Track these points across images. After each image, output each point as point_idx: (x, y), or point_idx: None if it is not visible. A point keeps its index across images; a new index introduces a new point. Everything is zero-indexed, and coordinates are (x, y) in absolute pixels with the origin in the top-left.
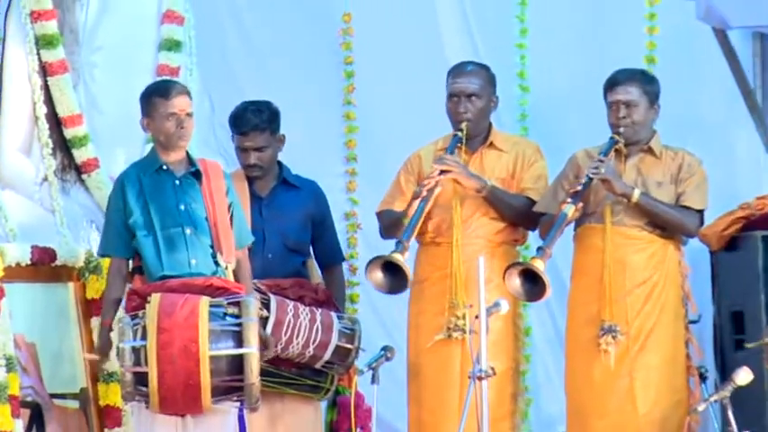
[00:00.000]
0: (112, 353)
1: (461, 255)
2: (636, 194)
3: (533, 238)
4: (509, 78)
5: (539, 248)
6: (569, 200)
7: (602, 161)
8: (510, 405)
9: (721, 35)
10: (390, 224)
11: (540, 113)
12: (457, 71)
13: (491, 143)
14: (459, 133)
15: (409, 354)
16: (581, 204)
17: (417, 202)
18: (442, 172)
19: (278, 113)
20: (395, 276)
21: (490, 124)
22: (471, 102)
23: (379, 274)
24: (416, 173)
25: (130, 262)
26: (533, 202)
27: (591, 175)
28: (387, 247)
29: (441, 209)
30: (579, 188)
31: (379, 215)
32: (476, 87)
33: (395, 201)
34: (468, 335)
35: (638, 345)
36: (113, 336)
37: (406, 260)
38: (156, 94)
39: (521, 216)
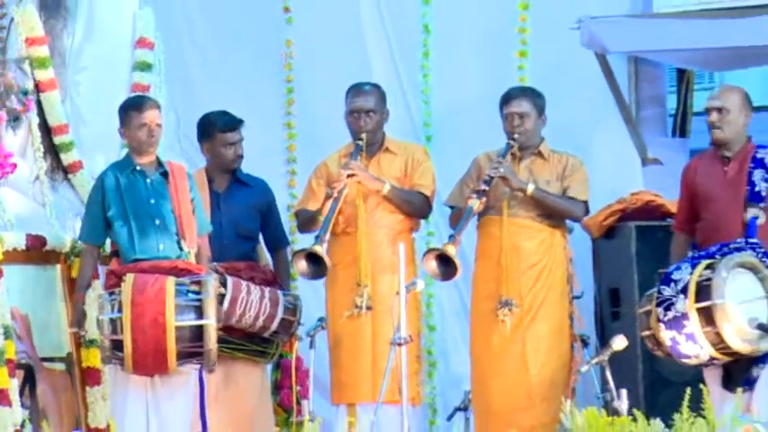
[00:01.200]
0: (93, 323)
1: (367, 242)
2: (530, 188)
3: (444, 227)
4: (417, 94)
5: (450, 236)
6: (474, 195)
7: (500, 162)
8: (415, 365)
9: (602, 59)
10: (305, 221)
11: (444, 123)
12: (355, 91)
13: (386, 149)
14: (360, 142)
15: (329, 326)
16: (484, 199)
17: (330, 202)
18: (348, 176)
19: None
20: (317, 264)
21: (384, 133)
22: (369, 116)
23: (303, 263)
24: (325, 177)
25: (103, 248)
26: (425, 196)
27: (492, 174)
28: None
29: (349, 205)
30: (482, 185)
31: (296, 214)
32: (372, 104)
33: (308, 201)
34: (368, 311)
35: (530, 316)
36: (94, 309)
37: (325, 250)
38: (132, 108)
39: (414, 208)
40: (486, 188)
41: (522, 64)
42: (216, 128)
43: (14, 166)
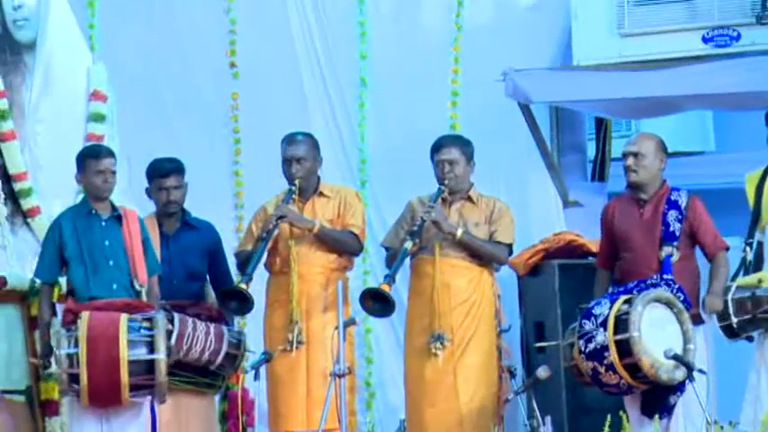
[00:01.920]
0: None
1: (301, 281)
2: (459, 232)
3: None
4: (353, 141)
5: (386, 276)
6: (408, 237)
7: (432, 207)
8: (349, 395)
9: (525, 108)
10: (243, 261)
11: (378, 168)
12: (288, 140)
13: (320, 193)
14: (293, 188)
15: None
16: (417, 240)
17: (259, 242)
18: (279, 218)
19: (184, 165)
20: (243, 300)
21: (318, 178)
22: (300, 164)
23: (232, 303)
24: (263, 220)
25: (60, 287)
26: (355, 235)
27: (424, 218)
28: None
29: (284, 247)
30: (415, 228)
31: (236, 255)
32: (302, 152)
33: (247, 243)
34: (299, 345)
35: (461, 350)
36: (52, 343)
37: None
38: (89, 156)
39: (346, 246)
40: (419, 230)
41: (454, 113)
42: (151, 173)
43: None
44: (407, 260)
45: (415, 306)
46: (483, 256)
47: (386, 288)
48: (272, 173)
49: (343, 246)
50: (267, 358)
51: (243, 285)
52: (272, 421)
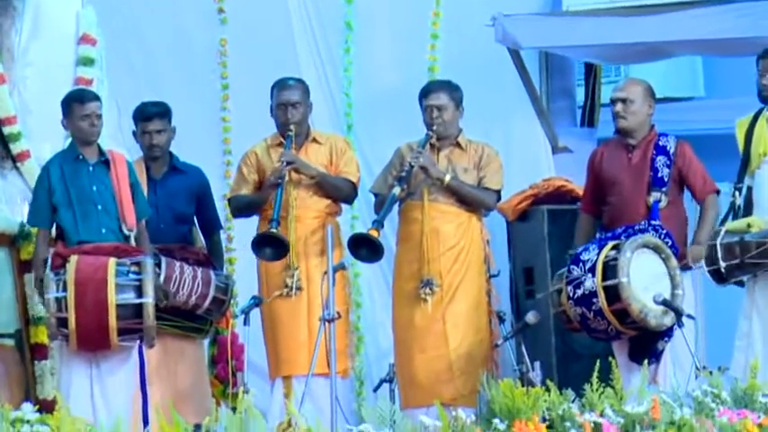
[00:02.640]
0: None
1: (298, 226)
2: (447, 178)
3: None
4: (339, 86)
5: (374, 221)
6: (396, 183)
7: (420, 152)
8: (344, 340)
9: (515, 54)
10: (240, 206)
11: (363, 113)
12: (281, 85)
13: (313, 139)
14: (290, 133)
15: (262, 304)
16: (405, 186)
17: (275, 189)
18: (287, 164)
19: (170, 109)
20: (275, 246)
21: (309, 124)
22: (295, 108)
23: (266, 249)
24: (254, 164)
25: (53, 230)
26: (351, 183)
27: (412, 163)
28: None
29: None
30: (403, 174)
31: (230, 200)
32: (297, 97)
33: (240, 187)
34: (298, 291)
35: (450, 295)
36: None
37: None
38: (74, 100)
39: (343, 194)
40: (407, 176)
41: (433, 56)
42: (136, 116)
43: None
44: (396, 206)
45: (403, 252)
46: (471, 201)
47: (374, 233)
48: (261, 118)
49: (340, 193)
50: (256, 303)
51: (275, 231)
52: (273, 367)
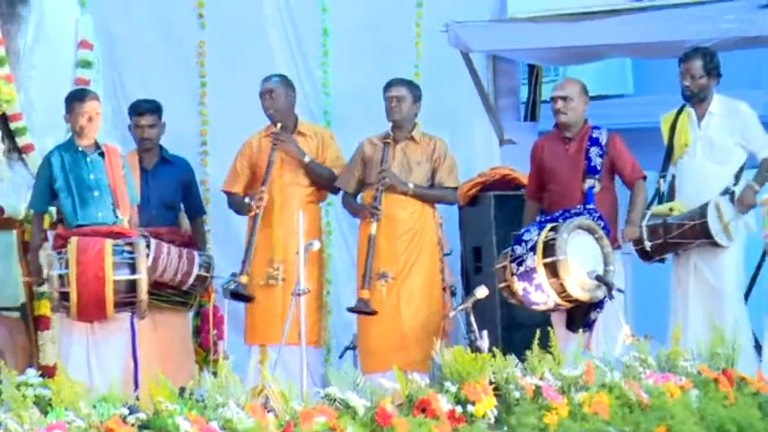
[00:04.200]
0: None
1: (284, 211)
2: (411, 188)
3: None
4: (317, 86)
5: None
6: (373, 220)
7: (385, 170)
8: (317, 313)
9: (466, 56)
10: (231, 205)
11: (339, 112)
12: (264, 79)
13: (299, 131)
14: (278, 126)
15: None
16: (379, 214)
17: (270, 167)
18: (276, 139)
19: (161, 106)
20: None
21: (296, 116)
22: (272, 98)
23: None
24: (247, 155)
25: (47, 217)
26: (333, 174)
27: (379, 187)
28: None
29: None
30: (376, 205)
31: (227, 194)
32: (273, 86)
33: (233, 185)
34: (281, 282)
35: (404, 274)
36: (44, 266)
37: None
38: (75, 99)
39: (329, 183)
40: (378, 206)
41: (417, 62)
42: (130, 111)
43: None
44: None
45: (363, 244)
46: (434, 201)
47: (365, 295)
48: (235, 114)
49: (326, 181)
50: (234, 279)
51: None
52: (249, 335)
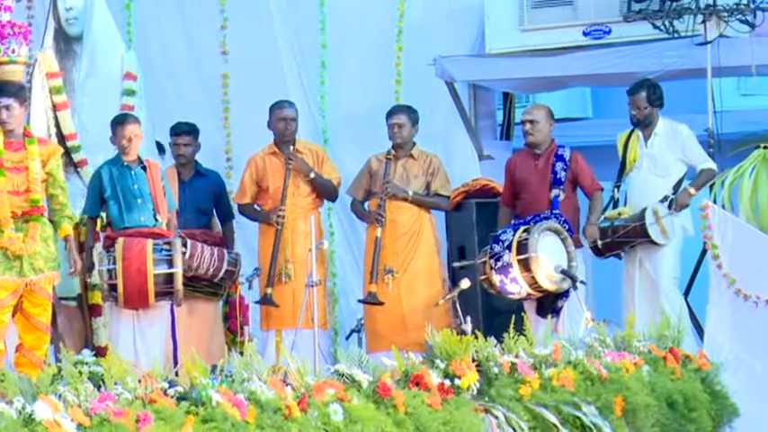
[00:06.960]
0: (94, 272)
1: (293, 219)
2: (410, 195)
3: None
4: (317, 109)
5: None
6: (378, 225)
7: (388, 182)
8: (323, 301)
9: (451, 85)
10: (247, 213)
11: (336, 130)
12: (280, 106)
13: (297, 150)
14: (292, 147)
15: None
16: (383, 221)
17: (287, 178)
18: (289, 159)
19: (197, 129)
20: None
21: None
22: (291, 123)
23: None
24: (254, 172)
25: (99, 221)
26: (335, 183)
27: (383, 197)
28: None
29: (277, 191)
30: (381, 212)
31: (238, 204)
32: (294, 114)
33: (243, 197)
34: (291, 279)
35: (404, 268)
36: (96, 262)
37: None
38: (117, 123)
39: (330, 193)
40: (383, 213)
41: (398, 88)
42: (171, 131)
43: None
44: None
45: (370, 245)
46: (430, 208)
47: (373, 288)
48: (254, 134)
49: (328, 191)
50: (257, 273)
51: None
52: (265, 321)
